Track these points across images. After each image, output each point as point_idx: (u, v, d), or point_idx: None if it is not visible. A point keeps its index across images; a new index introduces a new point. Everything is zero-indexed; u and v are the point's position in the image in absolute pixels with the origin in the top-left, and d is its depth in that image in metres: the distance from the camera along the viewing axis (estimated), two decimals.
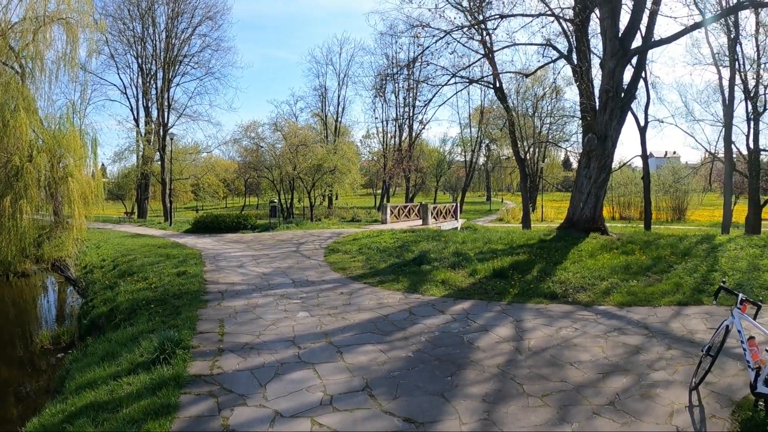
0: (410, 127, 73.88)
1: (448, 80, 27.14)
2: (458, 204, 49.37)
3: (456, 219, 43.08)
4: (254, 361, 8.61)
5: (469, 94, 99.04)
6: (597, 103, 22.78)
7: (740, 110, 43.04)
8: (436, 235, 20.80)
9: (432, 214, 38.84)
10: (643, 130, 41.19)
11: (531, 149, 77.54)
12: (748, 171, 41.70)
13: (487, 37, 29.74)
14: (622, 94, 22.66)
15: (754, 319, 7.16)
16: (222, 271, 16.47)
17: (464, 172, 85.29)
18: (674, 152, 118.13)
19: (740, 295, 7.26)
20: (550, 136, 76.68)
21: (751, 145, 41.25)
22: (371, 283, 14.16)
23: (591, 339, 9.62)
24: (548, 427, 6.38)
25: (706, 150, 46.83)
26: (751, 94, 40.37)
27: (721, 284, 7.77)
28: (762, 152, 42.88)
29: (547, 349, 9.01)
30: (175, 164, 56.21)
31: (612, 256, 16.44)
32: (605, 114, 21.79)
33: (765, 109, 41.40)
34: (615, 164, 57.11)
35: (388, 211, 38.53)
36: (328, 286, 14.18)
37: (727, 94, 39.27)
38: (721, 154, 41.70)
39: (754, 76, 40.25)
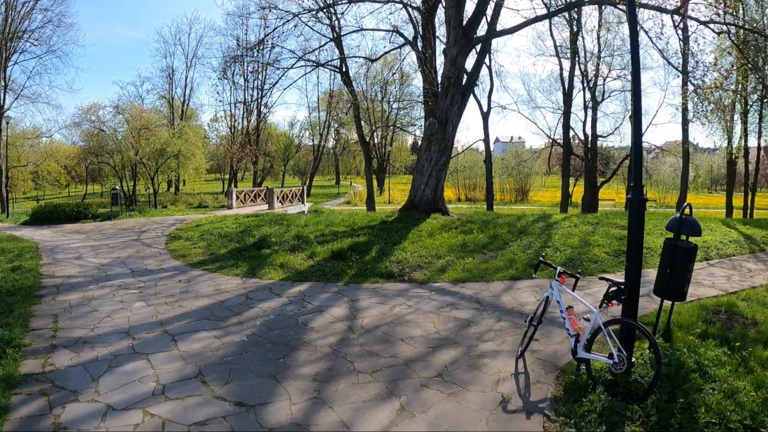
0: (258, 111, 72.99)
1: (295, 63, 27.10)
2: (305, 188, 49.36)
3: (303, 203, 43.04)
4: (87, 355, 8.29)
5: (318, 77, 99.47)
6: (440, 89, 23.26)
7: (579, 99, 46.18)
8: (280, 219, 20.73)
9: (278, 198, 38.69)
10: (485, 116, 43.09)
11: (379, 133, 78.70)
12: (585, 155, 44.51)
13: (336, 22, 30.05)
14: (464, 81, 23.37)
15: (573, 290, 7.66)
16: (59, 264, 15.72)
17: (312, 155, 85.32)
18: (519, 137, 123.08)
19: (558, 267, 7.77)
20: (397, 121, 78.02)
21: (588, 132, 44.28)
22: (210, 270, 13.93)
23: (423, 315, 9.94)
24: (377, 401, 6.57)
25: (547, 135, 49.73)
26: (591, 85, 43.45)
27: (541, 258, 8.26)
28: (599, 138, 46.00)
29: (379, 327, 9.24)
30: (12, 150, 53.17)
31: (450, 235, 16.98)
32: (446, 99, 22.39)
33: (603, 99, 44.73)
34: (460, 148, 58.84)
35: (234, 196, 38.07)
36: (167, 274, 13.85)
37: (567, 84, 41.84)
38: (562, 140, 44.54)
39: (594, 68, 43.27)
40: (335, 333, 8.90)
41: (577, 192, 50.27)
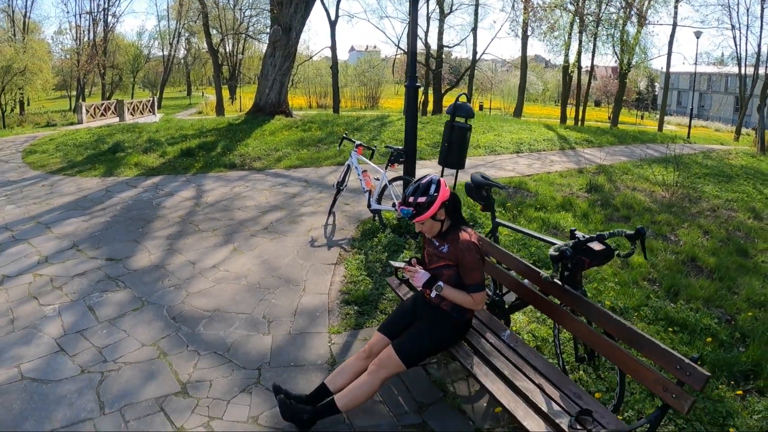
0: (105, 21, 70.70)
1: None
2: (155, 99, 49.39)
3: (154, 114, 43.41)
4: None
5: None
6: None
7: (427, 11, 47.99)
8: (132, 127, 21.68)
9: (129, 110, 39.03)
10: (333, 24, 44.65)
11: (231, 41, 78.06)
12: (426, 62, 47.27)
13: None
14: None
15: (370, 159, 9.93)
16: None
17: (163, 66, 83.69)
18: (375, 46, 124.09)
19: (357, 141, 9.98)
20: (250, 29, 77.45)
21: (431, 42, 47.05)
22: (70, 174, 14.80)
23: (258, 192, 12.02)
24: (216, 247, 8.71)
25: (395, 44, 51.46)
26: None
27: (344, 135, 10.53)
28: (445, 47, 48.67)
29: (221, 202, 11.24)
30: None
31: (291, 133, 18.95)
32: (291, 7, 23.70)
33: (451, 11, 47.11)
34: (313, 55, 59.82)
35: (84, 111, 37.97)
36: (30, 182, 14.64)
37: None
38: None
39: None
40: (184, 208, 10.77)
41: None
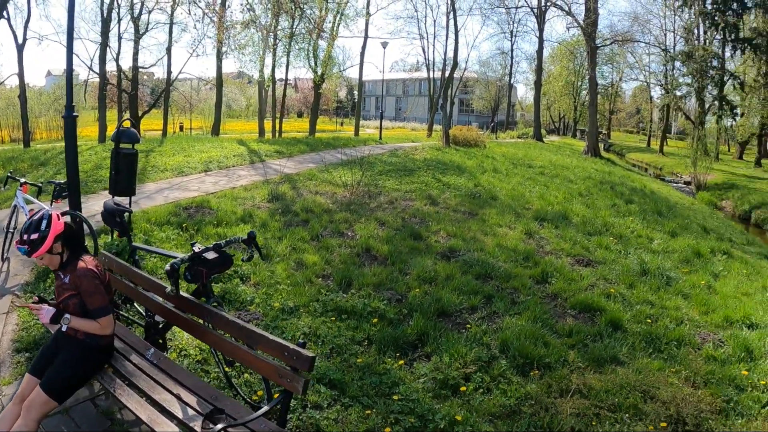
0: None
1: None
2: None
3: None
4: None
5: None
6: None
7: (123, 29, 46.46)
8: None
9: None
10: (21, 47, 41.49)
11: None
12: (118, 85, 46.26)
13: None
14: None
15: (37, 197, 9.90)
16: None
17: None
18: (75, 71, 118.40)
19: (21, 179, 9.87)
20: None
21: (123, 63, 45.81)
22: None
23: None
24: None
25: (88, 67, 48.97)
26: (135, 16, 44.30)
27: (9, 174, 10.33)
28: (140, 69, 47.56)
29: None
30: None
31: None
32: None
33: (146, 30, 45.99)
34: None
35: None
36: None
37: (107, 14, 42.10)
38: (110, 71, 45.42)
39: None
40: None
41: (109, 124, 51.62)
